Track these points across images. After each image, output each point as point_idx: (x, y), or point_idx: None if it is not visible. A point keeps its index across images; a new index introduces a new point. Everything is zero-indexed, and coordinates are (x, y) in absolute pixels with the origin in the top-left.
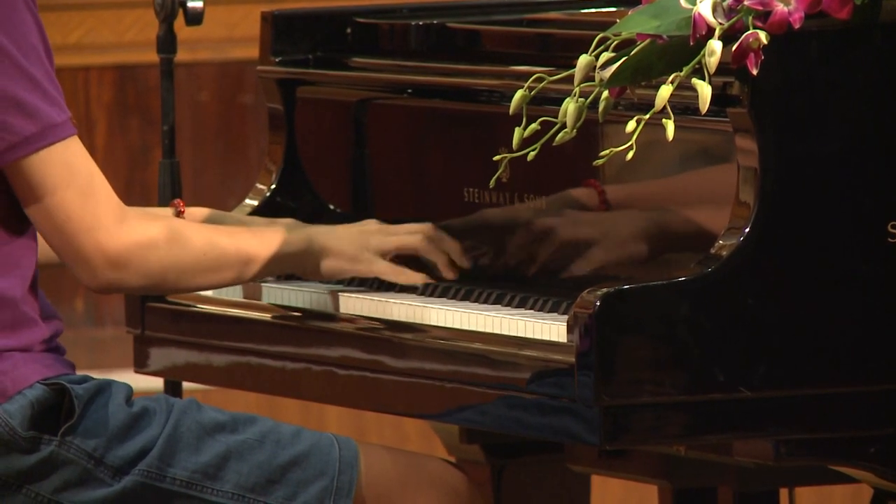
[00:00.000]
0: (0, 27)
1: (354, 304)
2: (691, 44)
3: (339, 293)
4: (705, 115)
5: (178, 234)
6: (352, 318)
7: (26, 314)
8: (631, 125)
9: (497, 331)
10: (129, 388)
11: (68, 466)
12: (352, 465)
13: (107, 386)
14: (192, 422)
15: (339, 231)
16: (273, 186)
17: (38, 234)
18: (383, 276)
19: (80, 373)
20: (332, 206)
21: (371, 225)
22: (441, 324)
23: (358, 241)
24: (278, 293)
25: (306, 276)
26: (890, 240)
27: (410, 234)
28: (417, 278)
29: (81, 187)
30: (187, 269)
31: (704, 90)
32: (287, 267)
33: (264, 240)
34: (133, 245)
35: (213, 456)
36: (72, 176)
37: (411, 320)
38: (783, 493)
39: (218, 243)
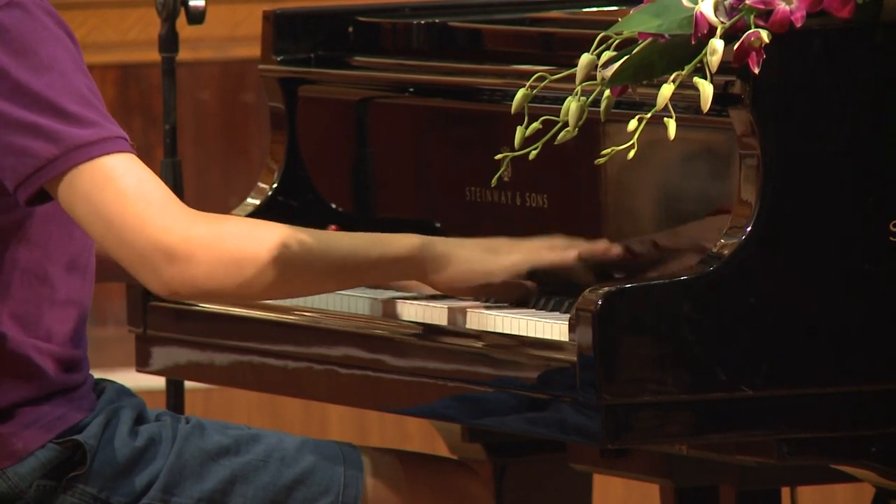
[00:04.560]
0: (18, 60)
1: (356, 303)
2: (693, 43)
3: (340, 293)
4: (707, 113)
5: (251, 230)
6: (354, 318)
7: (31, 359)
8: (633, 124)
9: (499, 329)
10: (138, 409)
11: None
12: (356, 478)
13: (114, 415)
14: (195, 448)
15: (459, 240)
16: (275, 185)
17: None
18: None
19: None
20: (333, 205)
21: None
22: (443, 323)
23: (486, 246)
24: None
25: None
26: (892, 238)
27: (547, 250)
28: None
29: (126, 192)
30: (262, 267)
31: (706, 89)
32: (398, 272)
33: (364, 242)
34: (194, 237)
35: (218, 481)
36: (111, 185)
37: (414, 319)
38: (785, 493)
39: (304, 241)
